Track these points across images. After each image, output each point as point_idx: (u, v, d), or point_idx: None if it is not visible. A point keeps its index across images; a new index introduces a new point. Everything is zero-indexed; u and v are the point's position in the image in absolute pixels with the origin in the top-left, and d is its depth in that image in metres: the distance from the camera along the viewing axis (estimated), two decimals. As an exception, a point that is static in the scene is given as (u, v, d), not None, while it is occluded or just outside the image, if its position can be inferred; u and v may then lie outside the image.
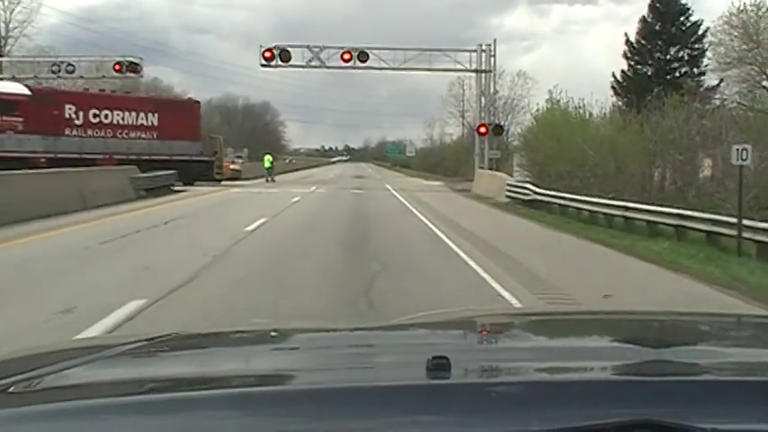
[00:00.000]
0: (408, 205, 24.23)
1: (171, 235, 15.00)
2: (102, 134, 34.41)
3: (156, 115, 35.96)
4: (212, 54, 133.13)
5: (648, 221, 15.36)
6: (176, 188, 31.21)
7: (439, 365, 1.26)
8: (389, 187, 37.27)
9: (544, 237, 15.85)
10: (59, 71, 39.28)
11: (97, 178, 24.37)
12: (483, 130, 35.74)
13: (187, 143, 35.93)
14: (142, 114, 35.83)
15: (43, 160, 28.90)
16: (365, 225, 16.96)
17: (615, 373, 1.45)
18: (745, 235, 11.68)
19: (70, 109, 33.43)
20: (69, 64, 39.65)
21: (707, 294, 8.95)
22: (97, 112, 34.48)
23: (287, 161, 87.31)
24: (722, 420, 1.09)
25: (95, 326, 6.31)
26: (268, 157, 46.62)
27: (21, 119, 30.89)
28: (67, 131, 33.07)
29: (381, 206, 23.85)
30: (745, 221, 11.71)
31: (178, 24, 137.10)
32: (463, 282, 9.52)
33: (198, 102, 42.04)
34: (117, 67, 38.62)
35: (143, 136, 35.47)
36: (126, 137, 35.07)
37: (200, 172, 36.11)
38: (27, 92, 32.26)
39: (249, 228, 15.48)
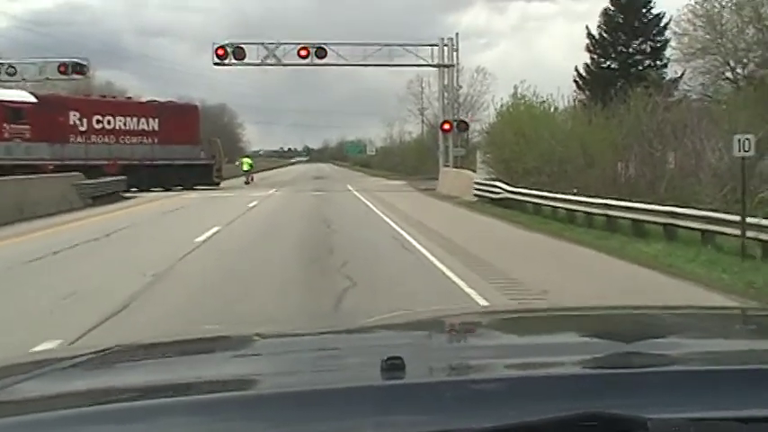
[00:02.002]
0: (374, 208, 22.82)
1: (111, 249, 13.44)
2: (106, 140, 34.46)
3: (156, 120, 36.16)
4: (168, 57, 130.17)
5: (634, 220, 14.25)
6: (127, 195, 29.62)
7: (393, 366, 1.27)
8: (351, 188, 35.87)
9: (524, 240, 14.63)
10: (-1, 74, 37.24)
11: (38, 187, 22.65)
12: (447, 126, 34.56)
13: (188, 147, 36.09)
14: (143, 119, 36.12)
15: (51, 167, 28.68)
16: (328, 233, 15.55)
17: (573, 368, 1.43)
18: (748, 234, 10.56)
19: (75, 115, 33.76)
20: (10, 66, 37.68)
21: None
22: (100, 118, 34.49)
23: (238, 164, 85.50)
24: (678, 409, 1.08)
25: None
26: (246, 160, 47.81)
27: (28, 126, 31.10)
28: (72, 138, 33.43)
29: (344, 210, 22.45)
30: (748, 219, 10.59)
31: (132, 28, 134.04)
32: (449, 300, 8.21)
33: (197, 106, 42.16)
34: (62, 68, 36.91)
35: (145, 141, 35.78)
36: (129, 142, 35.16)
37: (201, 175, 36.25)
38: (33, 99, 32.20)
39: (199, 239, 14.02)
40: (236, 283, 9.49)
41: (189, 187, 34.24)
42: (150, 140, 35.75)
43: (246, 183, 42.53)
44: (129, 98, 38.99)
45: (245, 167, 45.62)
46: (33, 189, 22.01)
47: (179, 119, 36.54)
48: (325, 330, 2.32)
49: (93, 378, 1.63)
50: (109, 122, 34.78)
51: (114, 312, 7.33)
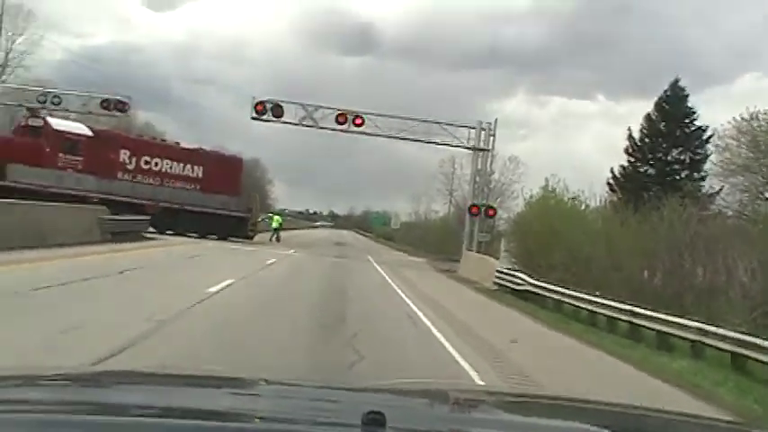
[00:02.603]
0: (391, 283, 22.33)
1: (120, 288, 13.11)
2: (151, 181, 35.05)
3: (201, 168, 36.73)
4: (209, 105, 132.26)
5: (660, 331, 13.66)
6: (148, 235, 29.58)
7: (373, 420, 1.31)
8: (371, 259, 35.50)
9: (544, 338, 14.06)
10: (45, 102, 37.93)
11: (61, 215, 22.58)
12: (475, 210, 34.30)
13: (227, 198, 36.31)
14: (189, 165, 36.69)
15: (96, 200, 29.25)
16: (342, 301, 15.13)
17: None
18: (782, 364, 9.98)
19: (125, 153, 34.90)
20: (56, 96, 38.38)
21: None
22: (148, 158, 35.36)
23: (261, 220, 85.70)
24: None
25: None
26: (276, 218, 47.85)
27: (81, 158, 32.31)
28: (120, 175, 34.34)
29: (361, 280, 22.04)
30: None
31: (180, 74, 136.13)
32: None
33: (241, 158, 42.72)
34: (104, 104, 37.56)
35: (188, 186, 36.24)
36: (172, 185, 35.77)
37: (236, 227, 36.51)
38: (90, 133, 33.56)
39: (212, 289, 13.68)
40: (241, 340, 9.08)
41: (223, 237, 34.60)
42: (193, 187, 36.18)
43: (270, 240, 42.42)
44: (178, 143, 39.50)
45: (275, 225, 45.56)
46: (57, 218, 21.92)
47: (223, 169, 36.95)
48: (321, 385, 2.37)
49: (87, 393, 1.69)
50: (156, 164, 35.55)
51: (109, 356, 6.93)
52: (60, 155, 31.80)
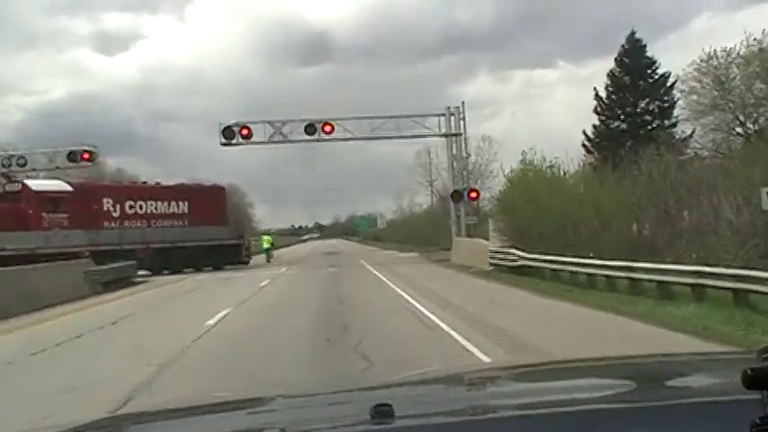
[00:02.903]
0: (389, 283, 22.16)
1: (117, 338, 12.93)
2: (139, 224, 35.03)
3: (186, 203, 36.68)
4: (178, 140, 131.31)
5: (660, 282, 13.66)
6: (138, 279, 29.34)
7: (382, 412, 1.35)
8: (364, 263, 35.36)
9: (550, 309, 13.93)
10: (10, 165, 37.53)
11: (45, 276, 22.26)
12: (456, 196, 34.26)
13: (216, 228, 36.41)
14: (174, 203, 36.41)
15: (87, 254, 28.94)
16: (342, 310, 14.98)
17: (563, 407, 1.49)
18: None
19: (108, 202, 34.59)
20: (21, 157, 38.00)
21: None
22: (132, 203, 35.27)
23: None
24: None
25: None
26: (267, 238, 47.35)
27: (66, 215, 32.07)
28: (107, 224, 33.76)
29: (358, 285, 21.90)
30: (783, 276, 10.02)
31: (143, 114, 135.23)
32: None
33: (224, 187, 42.61)
34: (71, 156, 37.18)
35: (176, 223, 36.15)
36: (161, 225, 35.64)
37: (231, 255, 36.55)
38: (69, 188, 33.30)
39: (210, 322, 13.54)
40: (247, 367, 8.95)
41: (220, 267, 34.67)
42: (181, 223, 36.16)
43: (268, 261, 42.45)
44: (158, 183, 39.36)
45: (266, 245, 45.41)
46: (42, 279, 21.64)
47: (207, 200, 37.03)
48: (333, 390, 2.41)
49: None
50: (141, 207, 35.44)
51: (112, 411, 6.79)
52: (44, 215, 31.57)
